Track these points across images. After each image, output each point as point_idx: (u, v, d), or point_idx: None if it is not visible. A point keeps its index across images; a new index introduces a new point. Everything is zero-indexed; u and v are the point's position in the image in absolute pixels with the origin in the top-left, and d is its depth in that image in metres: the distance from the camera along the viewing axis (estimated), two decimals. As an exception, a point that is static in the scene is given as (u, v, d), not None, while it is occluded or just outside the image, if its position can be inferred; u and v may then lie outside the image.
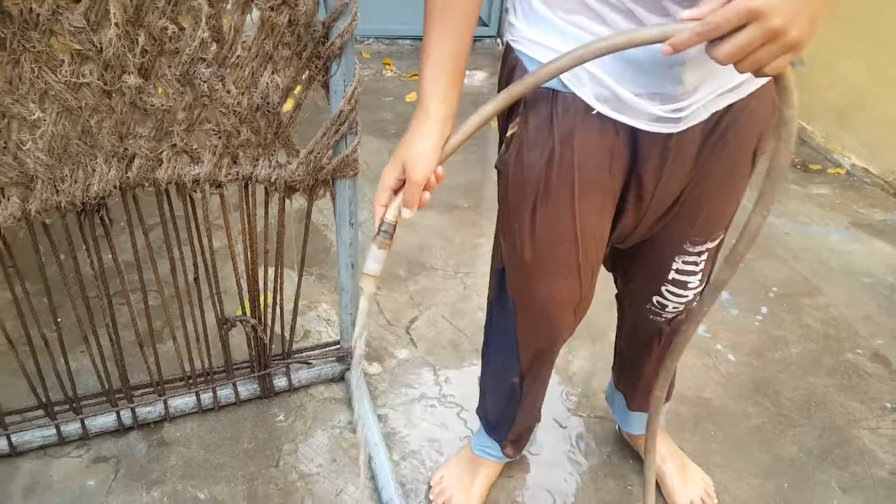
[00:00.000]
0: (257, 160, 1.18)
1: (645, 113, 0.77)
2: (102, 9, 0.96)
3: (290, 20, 1.05)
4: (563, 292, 0.95)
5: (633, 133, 0.80)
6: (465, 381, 1.61)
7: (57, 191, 1.09)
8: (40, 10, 0.92)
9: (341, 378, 1.61)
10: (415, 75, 3.18)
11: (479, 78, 3.29)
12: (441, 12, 0.75)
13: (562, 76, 0.76)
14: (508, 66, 0.85)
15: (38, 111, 1.01)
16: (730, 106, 0.80)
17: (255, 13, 1.04)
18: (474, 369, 1.61)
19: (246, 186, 1.22)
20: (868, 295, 2.01)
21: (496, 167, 0.92)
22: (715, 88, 0.77)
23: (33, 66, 0.97)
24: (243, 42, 1.04)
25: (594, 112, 0.78)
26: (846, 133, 2.79)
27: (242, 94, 1.09)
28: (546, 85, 0.77)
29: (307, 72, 1.12)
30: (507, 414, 1.23)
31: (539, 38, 0.78)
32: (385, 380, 1.63)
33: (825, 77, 2.77)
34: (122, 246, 1.25)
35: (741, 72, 0.61)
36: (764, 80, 0.80)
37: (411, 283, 1.93)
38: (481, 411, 1.33)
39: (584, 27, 0.73)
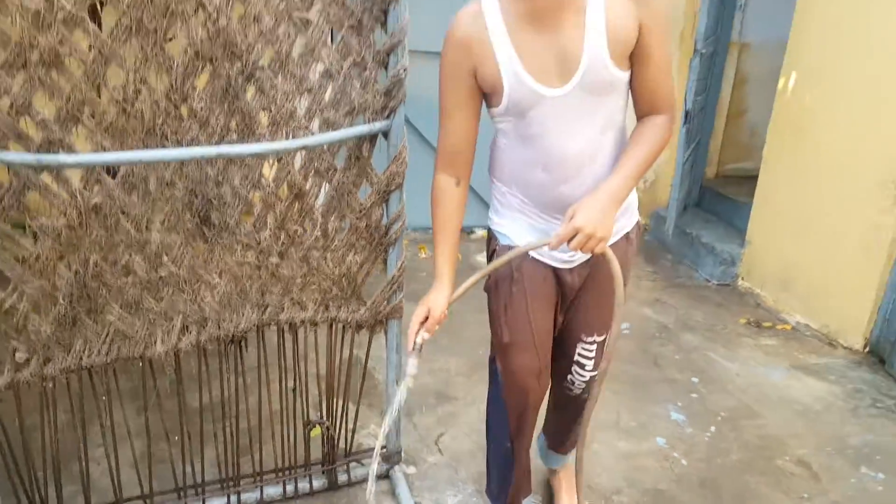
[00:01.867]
0: (340, 307, 1.88)
1: (555, 259, 1.49)
2: (262, 220, 1.71)
3: (366, 224, 1.80)
4: (527, 362, 1.57)
5: (553, 268, 1.51)
6: (480, 478, 2.14)
7: (219, 327, 1.78)
8: (230, 220, 1.67)
9: (387, 475, 2.15)
10: (439, 258, 3.97)
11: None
12: (442, 229, 1.48)
13: (512, 238, 1.50)
14: (491, 242, 1.58)
15: (217, 278, 1.73)
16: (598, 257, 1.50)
17: (347, 221, 1.79)
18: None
19: (331, 326, 1.91)
20: (799, 418, 2.53)
21: (485, 290, 1.61)
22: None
23: (220, 252, 1.70)
24: (340, 236, 1.79)
25: (531, 258, 1.50)
26: (791, 297, 3.43)
27: (336, 267, 1.81)
28: (505, 242, 1.51)
29: (374, 254, 1.85)
30: (505, 479, 1.78)
31: (503, 227, 1.53)
32: (419, 477, 2.17)
33: (771, 254, 3.48)
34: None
35: (583, 252, 1.30)
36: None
37: (439, 408, 2.52)
38: (487, 487, 1.87)
39: (522, 221, 1.48)
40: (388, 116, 1.69)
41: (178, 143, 1.46)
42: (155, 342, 1.65)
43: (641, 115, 1.38)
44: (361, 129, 1.66)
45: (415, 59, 3.70)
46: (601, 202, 1.25)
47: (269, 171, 1.64)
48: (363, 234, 1.81)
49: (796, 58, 3.20)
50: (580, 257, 1.49)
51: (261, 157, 1.56)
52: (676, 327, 3.29)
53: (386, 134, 1.72)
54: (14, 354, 1.56)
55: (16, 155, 1.31)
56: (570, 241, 1.26)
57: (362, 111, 1.67)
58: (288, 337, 1.86)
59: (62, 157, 1.32)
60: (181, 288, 1.62)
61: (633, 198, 1.55)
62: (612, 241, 1.43)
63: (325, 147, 1.64)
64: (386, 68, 1.65)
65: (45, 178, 1.40)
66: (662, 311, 3.47)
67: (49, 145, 1.36)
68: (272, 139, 1.56)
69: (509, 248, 1.49)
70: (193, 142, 1.47)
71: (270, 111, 1.53)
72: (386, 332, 1.95)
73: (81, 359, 1.60)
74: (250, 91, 1.50)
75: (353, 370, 1.96)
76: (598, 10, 1.20)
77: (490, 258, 1.59)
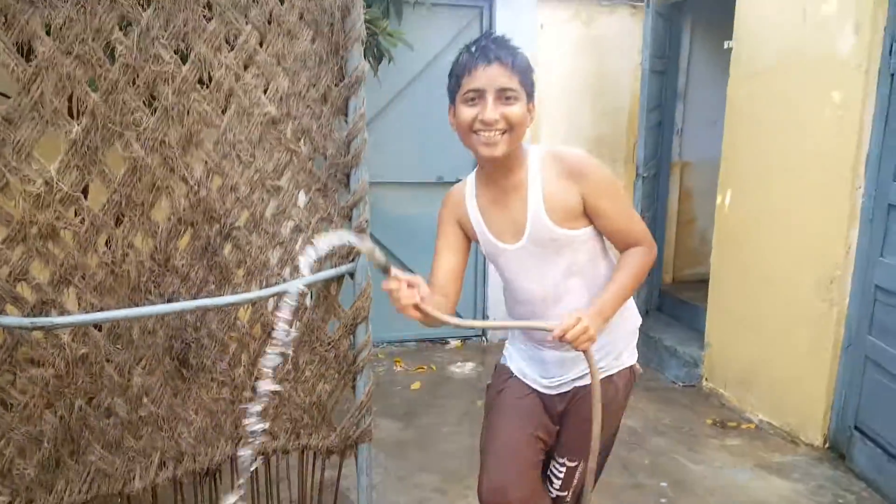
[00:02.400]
0: (311, 435, 1.99)
1: (536, 382, 1.65)
2: (237, 358, 1.86)
3: (335, 355, 1.95)
4: (495, 472, 1.61)
5: (534, 388, 1.66)
6: None
7: (195, 461, 1.88)
8: (207, 361, 1.81)
9: None
10: (420, 368, 4.09)
11: (469, 367, 4.19)
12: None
13: (508, 359, 1.69)
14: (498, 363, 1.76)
15: (194, 415, 1.85)
16: (579, 387, 1.61)
17: (315, 355, 1.94)
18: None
19: (302, 452, 2.01)
20: (763, 518, 2.61)
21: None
22: (568, 378, 1.61)
23: (197, 390, 1.83)
24: (311, 367, 1.94)
25: (514, 376, 1.67)
26: (752, 396, 3.57)
27: (307, 396, 1.95)
28: (503, 362, 1.71)
29: (343, 382, 1.99)
30: None
31: (506, 349, 1.73)
32: None
33: (730, 355, 3.66)
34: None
35: (574, 346, 1.36)
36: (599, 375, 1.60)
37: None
38: None
39: (516, 346, 1.69)
40: (352, 260, 1.89)
41: (161, 297, 1.63)
42: (133, 479, 1.74)
43: (621, 250, 1.57)
44: (329, 272, 1.85)
45: (382, 188, 4.05)
46: (594, 312, 1.42)
47: (244, 313, 1.81)
48: (332, 365, 1.96)
49: (729, 176, 3.53)
50: (561, 384, 1.63)
51: (236, 305, 1.73)
52: (646, 431, 3.39)
53: (352, 274, 1.91)
54: (-2, 499, 1.64)
55: (12, 319, 1.47)
56: (566, 332, 1.37)
57: (329, 257, 1.87)
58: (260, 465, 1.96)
59: (54, 319, 1.48)
60: (160, 426, 1.74)
61: (622, 344, 1.66)
62: (590, 381, 1.57)
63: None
64: (350, 220, 1.87)
65: (37, 334, 1.55)
66: (632, 415, 3.57)
67: (42, 306, 1.53)
68: (247, 288, 1.73)
69: (504, 365, 1.72)
70: (175, 294, 1.64)
71: (246, 263, 1.72)
72: (356, 456, 2.05)
73: (62, 498, 1.68)
74: (227, 248, 1.70)
75: (327, 492, 2.05)
76: (536, 189, 1.48)
77: (494, 373, 1.78)
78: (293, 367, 1.90)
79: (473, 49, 1.40)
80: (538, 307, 1.58)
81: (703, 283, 4.13)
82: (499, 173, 1.51)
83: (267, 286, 1.77)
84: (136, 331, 1.65)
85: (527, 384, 1.67)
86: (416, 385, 3.83)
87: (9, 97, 1.43)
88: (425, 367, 4.07)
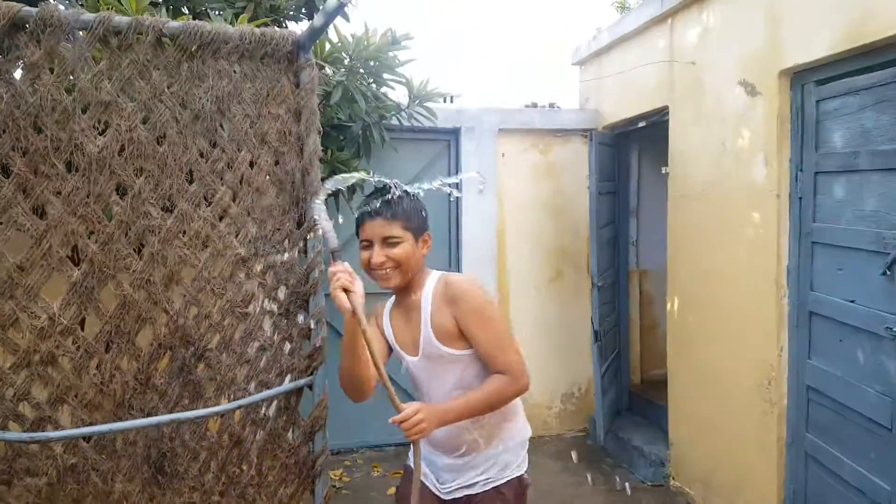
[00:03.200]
0: (274, 538, 2.19)
1: (434, 486, 1.87)
2: (206, 465, 2.09)
3: (294, 461, 2.19)
4: None
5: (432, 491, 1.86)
6: None
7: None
8: (180, 468, 2.05)
9: None
10: (397, 473, 4.21)
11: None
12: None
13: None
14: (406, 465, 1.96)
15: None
16: (470, 495, 1.83)
17: (277, 461, 2.17)
18: None
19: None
20: None
21: None
22: (457, 484, 1.83)
23: (171, 496, 2.06)
24: (273, 473, 2.16)
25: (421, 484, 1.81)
26: (714, 495, 3.68)
27: (269, 500, 2.16)
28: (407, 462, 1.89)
29: (303, 486, 2.21)
30: None
31: None
32: None
33: (692, 454, 3.81)
34: None
35: (406, 434, 1.58)
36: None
37: None
38: None
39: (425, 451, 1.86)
40: (311, 373, 2.17)
41: (141, 412, 1.90)
42: (110, 581, 1.93)
43: (491, 373, 1.74)
44: (289, 385, 2.13)
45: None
46: (436, 413, 1.64)
47: (213, 425, 2.07)
48: (292, 470, 2.19)
49: (675, 285, 3.86)
50: (451, 490, 1.84)
51: (206, 417, 2.00)
52: (612, 532, 3.51)
53: (311, 386, 2.19)
54: None
55: (14, 434, 1.74)
56: (404, 420, 1.59)
57: (290, 371, 2.16)
58: (227, 568, 2.14)
59: (50, 434, 1.76)
60: (138, 529, 1.95)
61: (510, 456, 1.84)
62: (478, 490, 1.80)
63: (260, 403, 2.10)
64: (309, 338, 2.17)
65: (34, 446, 1.82)
66: (601, 516, 3.70)
67: (40, 422, 1.80)
68: (217, 401, 2.01)
69: (407, 465, 1.95)
70: (154, 409, 1.92)
71: (216, 380, 2.01)
72: (315, 559, 2.24)
73: None
74: (200, 366, 1.99)
75: None
76: (427, 311, 1.75)
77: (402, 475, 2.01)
78: (257, 473, 2.14)
79: (364, 207, 1.73)
80: None
81: (667, 383, 4.36)
82: (402, 295, 1.81)
83: (235, 399, 2.04)
84: (119, 441, 1.91)
85: (428, 487, 1.86)
86: (391, 490, 3.96)
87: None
88: (402, 471, 4.20)
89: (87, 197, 1.80)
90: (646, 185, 4.93)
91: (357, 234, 1.76)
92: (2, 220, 1.72)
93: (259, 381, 2.11)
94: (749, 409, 3.39)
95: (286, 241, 2.09)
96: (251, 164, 2.01)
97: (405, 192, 1.75)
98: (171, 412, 1.94)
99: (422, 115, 3.51)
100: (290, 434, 2.18)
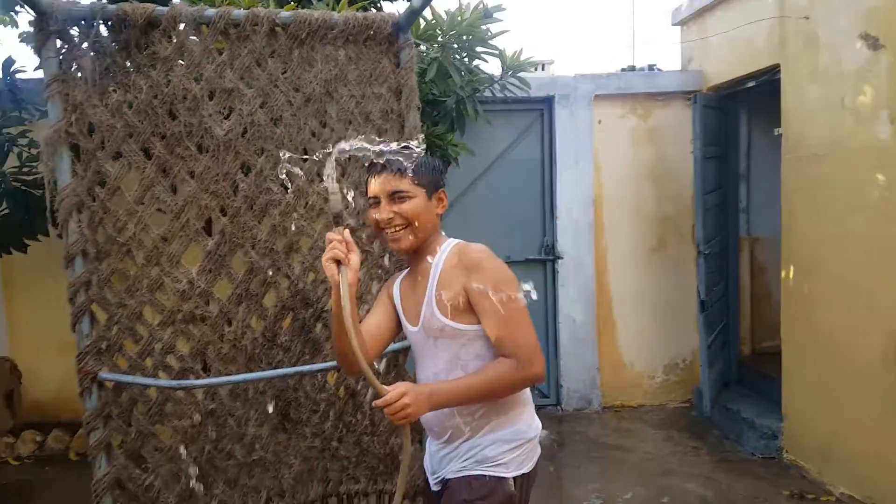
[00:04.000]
0: (386, 481, 2.38)
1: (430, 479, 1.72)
2: (326, 414, 2.31)
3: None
4: None
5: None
6: None
7: (293, 498, 2.31)
8: (303, 416, 2.28)
9: None
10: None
11: (541, 435, 4.42)
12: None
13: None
14: None
15: (293, 460, 2.30)
16: (446, 481, 1.63)
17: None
18: None
19: (379, 496, 2.39)
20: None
21: None
22: (441, 476, 1.65)
23: (295, 440, 2.29)
24: (384, 423, 2.35)
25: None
26: (833, 468, 3.54)
27: (381, 448, 2.35)
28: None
29: (412, 436, 2.38)
30: None
31: None
32: None
33: (809, 427, 3.67)
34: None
35: (393, 419, 1.39)
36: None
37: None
38: None
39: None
40: (415, 334, 2.33)
41: (269, 364, 2.14)
42: (246, 512, 2.21)
43: (497, 355, 1.54)
44: (396, 346, 2.29)
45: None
46: (424, 394, 1.45)
47: (332, 378, 2.28)
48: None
49: (790, 252, 3.70)
50: (437, 481, 1.68)
51: (325, 370, 2.21)
52: (717, 500, 3.46)
53: (415, 346, 2.35)
54: (147, 523, 2.15)
55: (164, 381, 2.03)
56: (388, 404, 1.40)
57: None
58: (345, 508, 2.37)
59: (194, 381, 2.02)
60: (267, 468, 2.21)
61: (489, 451, 1.58)
62: (455, 475, 1.60)
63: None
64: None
65: (180, 393, 2.10)
66: (705, 485, 3.65)
67: (184, 372, 2.08)
68: (334, 357, 2.21)
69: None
70: (279, 363, 2.15)
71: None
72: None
73: (195, 525, 2.17)
74: (318, 326, 2.20)
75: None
76: (434, 278, 1.58)
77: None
78: (370, 423, 2.33)
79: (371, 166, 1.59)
80: None
81: (780, 355, 4.20)
82: (413, 261, 1.66)
83: (347, 357, 2.24)
84: (250, 391, 2.16)
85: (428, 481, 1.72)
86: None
87: (164, 212, 2.04)
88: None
89: (217, 175, 2.03)
90: (756, 148, 4.70)
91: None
92: (146, 200, 2.00)
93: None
94: (874, 381, 3.21)
95: (390, 210, 2.24)
96: (357, 141, 2.17)
97: (413, 147, 1.55)
98: (294, 366, 2.16)
99: (515, 85, 3.55)
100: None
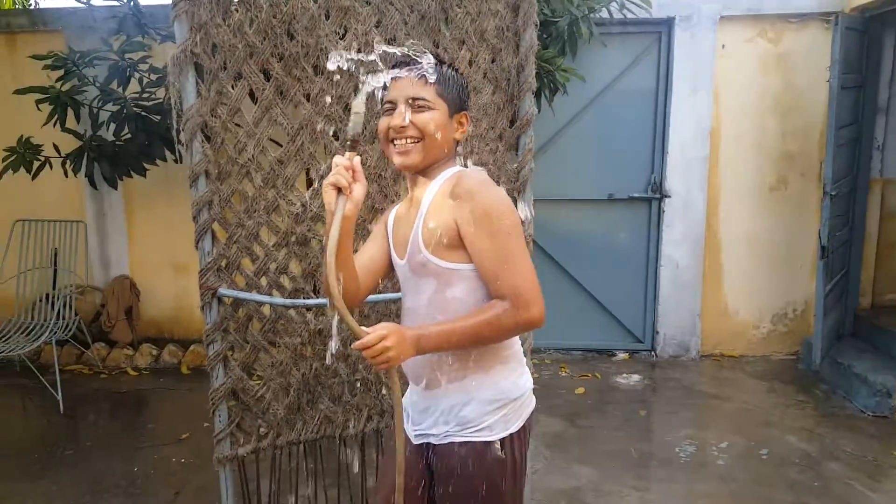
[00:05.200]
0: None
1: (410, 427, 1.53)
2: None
3: (503, 347, 2.35)
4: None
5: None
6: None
7: (392, 418, 2.39)
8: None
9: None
10: (584, 376, 4.36)
11: (635, 379, 4.37)
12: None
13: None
14: None
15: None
16: (434, 445, 1.47)
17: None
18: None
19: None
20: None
21: None
22: (422, 429, 1.49)
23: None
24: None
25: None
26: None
27: (480, 379, 2.37)
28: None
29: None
30: None
31: None
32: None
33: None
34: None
35: (373, 363, 1.23)
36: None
37: (569, 509, 2.88)
38: None
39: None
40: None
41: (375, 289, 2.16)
42: (349, 426, 2.31)
43: (492, 296, 1.37)
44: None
45: (554, 205, 4.39)
46: (410, 338, 1.28)
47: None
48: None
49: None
50: (417, 434, 1.52)
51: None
52: (820, 455, 3.32)
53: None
54: (259, 429, 2.29)
55: (279, 300, 2.10)
56: (366, 347, 1.25)
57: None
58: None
59: (306, 301, 2.08)
60: (368, 388, 2.28)
61: (472, 412, 1.43)
62: (436, 441, 1.47)
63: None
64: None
65: (292, 311, 2.17)
66: (808, 439, 3.50)
67: (296, 292, 2.14)
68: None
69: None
70: (384, 290, 2.17)
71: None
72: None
73: (300, 435, 2.29)
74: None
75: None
76: (424, 208, 1.40)
77: None
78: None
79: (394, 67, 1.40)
80: None
81: (904, 309, 3.89)
82: (413, 185, 1.46)
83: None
84: (355, 313, 2.21)
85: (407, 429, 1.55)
86: (580, 390, 4.10)
87: (280, 144, 2.06)
88: (590, 374, 4.31)
89: (332, 98, 2.01)
90: (901, 78, 4.20)
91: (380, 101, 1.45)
92: (263, 122, 2.01)
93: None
94: None
95: (499, 139, 2.17)
96: (469, 63, 2.08)
97: (444, 60, 1.39)
98: (397, 291, 2.18)
99: (635, 4, 3.29)
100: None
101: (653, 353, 4.61)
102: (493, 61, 2.10)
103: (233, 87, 1.98)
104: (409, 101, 1.36)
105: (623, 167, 4.41)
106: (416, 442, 1.51)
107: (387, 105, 1.40)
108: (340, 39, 1.99)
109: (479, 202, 1.32)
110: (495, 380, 1.43)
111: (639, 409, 3.79)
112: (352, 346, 1.29)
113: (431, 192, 1.40)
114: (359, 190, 1.26)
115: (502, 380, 1.44)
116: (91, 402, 3.93)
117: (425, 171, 1.42)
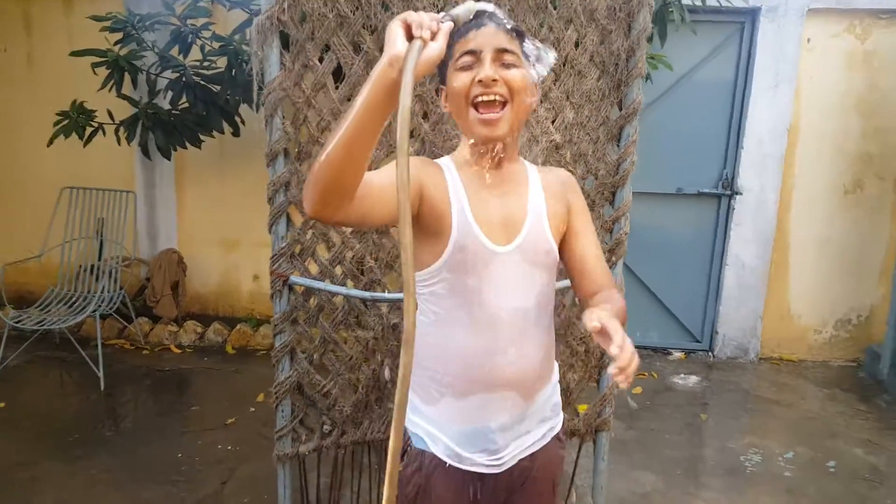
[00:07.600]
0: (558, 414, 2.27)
1: (477, 464, 1.23)
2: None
3: (585, 349, 2.20)
4: None
5: (472, 475, 1.25)
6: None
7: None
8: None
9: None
10: (640, 374, 4.19)
11: (693, 380, 4.19)
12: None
13: (421, 443, 1.26)
14: (410, 449, 1.30)
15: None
16: (524, 460, 1.28)
17: (567, 347, 2.21)
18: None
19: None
20: None
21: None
22: (519, 445, 1.27)
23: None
24: (562, 357, 2.21)
25: (448, 466, 1.22)
26: None
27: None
28: (419, 446, 1.26)
29: (588, 374, 2.24)
30: None
31: (419, 424, 1.29)
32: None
33: None
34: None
35: (620, 379, 0.95)
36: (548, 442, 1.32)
37: (633, 521, 2.74)
38: None
39: (446, 407, 1.25)
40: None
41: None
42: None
43: (590, 293, 1.27)
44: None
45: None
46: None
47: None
48: (581, 357, 2.22)
49: None
50: (512, 456, 1.27)
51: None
52: (890, 470, 3.15)
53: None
54: (322, 426, 2.17)
55: (354, 291, 1.96)
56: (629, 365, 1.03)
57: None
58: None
59: (384, 294, 1.94)
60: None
61: (557, 396, 1.38)
62: (543, 443, 1.33)
63: (560, 290, 2.11)
64: (611, 232, 2.10)
65: (364, 305, 2.03)
66: (875, 452, 3.33)
67: (372, 284, 2.00)
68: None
69: (422, 452, 1.26)
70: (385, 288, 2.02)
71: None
72: (595, 441, 2.29)
73: (366, 434, 2.16)
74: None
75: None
76: (537, 185, 1.26)
77: (404, 466, 1.29)
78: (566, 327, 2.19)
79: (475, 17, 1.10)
80: (498, 339, 1.20)
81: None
82: (491, 160, 1.19)
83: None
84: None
85: (462, 471, 1.24)
86: (637, 389, 3.95)
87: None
88: (646, 373, 4.16)
89: (423, 79, 1.85)
90: None
91: (448, 56, 1.10)
92: (351, 98, 1.86)
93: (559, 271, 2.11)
94: None
95: (601, 128, 1.99)
96: (576, 45, 1.90)
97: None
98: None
99: (724, -10, 3.07)
100: (581, 325, 2.19)
101: (710, 353, 4.44)
102: (601, 43, 1.92)
103: (319, 61, 1.83)
104: (497, 53, 1.11)
105: (694, 161, 4.20)
106: (501, 470, 1.26)
107: (465, 58, 1.12)
108: (438, 12, 1.82)
109: (580, 194, 1.33)
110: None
111: (699, 412, 3.64)
112: (616, 365, 0.96)
113: (537, 177, 1.28)
114: (435, 46, 0.91)
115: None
116: (133, 379, 3.81)
117: (506, 148, 1.19)
